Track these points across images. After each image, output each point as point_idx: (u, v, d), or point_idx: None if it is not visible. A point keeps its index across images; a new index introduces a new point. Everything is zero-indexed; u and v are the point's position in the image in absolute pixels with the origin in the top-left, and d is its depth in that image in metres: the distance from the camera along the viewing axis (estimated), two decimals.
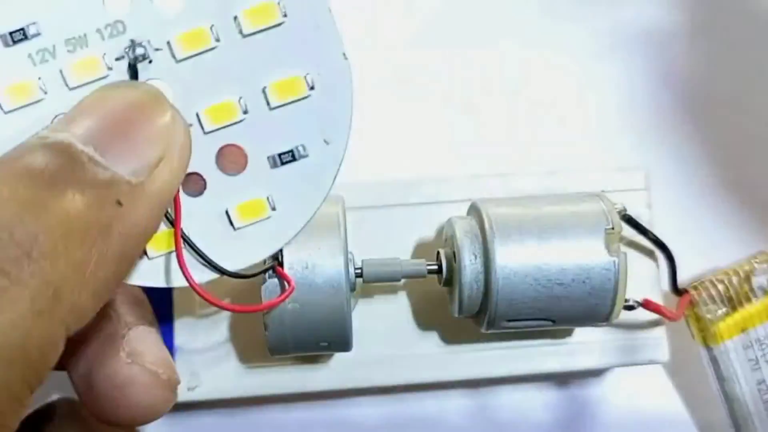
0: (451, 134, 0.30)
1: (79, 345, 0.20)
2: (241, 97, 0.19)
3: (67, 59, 0.18)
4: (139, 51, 0.18)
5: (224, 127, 0.19)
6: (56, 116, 0.18)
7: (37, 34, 0.18)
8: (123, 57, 0.18)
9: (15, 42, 0.18)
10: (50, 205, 0.15)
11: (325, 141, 0.19)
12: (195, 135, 0.19)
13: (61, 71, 0.18)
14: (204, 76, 0.19)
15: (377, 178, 0.27)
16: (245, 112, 0.19)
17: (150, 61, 0.18)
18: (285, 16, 0.18)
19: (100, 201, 0.15)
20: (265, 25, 0.18)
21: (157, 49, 0.18)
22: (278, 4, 0.18)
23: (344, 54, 0.19)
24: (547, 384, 0.29)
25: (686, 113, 0.31)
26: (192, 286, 0.18)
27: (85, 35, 0.18)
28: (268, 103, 0.19)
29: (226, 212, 0.19)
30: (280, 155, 0.19)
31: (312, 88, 0.19)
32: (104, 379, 0.19)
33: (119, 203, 0.16)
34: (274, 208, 0.19)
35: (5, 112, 0.18)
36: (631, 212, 0.26)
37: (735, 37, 0.31)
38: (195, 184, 0.19)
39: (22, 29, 0.18)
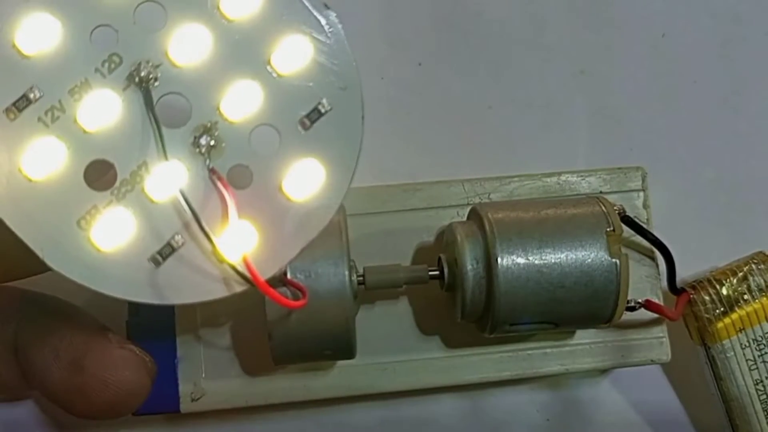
0: (448, 137, 0.30)
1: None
2: (251, 78, 0.19)
3: (77, 108, 0.19)
4: (144, 74, 0.19)
5: (248, 112, 0.19)
6: (88, 167, 0.19)
7: (41, 96, 0.18)
8: (129, 85, 0.19)
9: (21, 110, 0.18)
10: None
11: (340, 87, 0.19)
12: (224, 129, 0.19)
13: (75, 120, 0.19)
14: (211, 72, 0.19)
15: (376, 183, 0.27)
16: (261, 90, 0.19)
17: (155, 79, 0.19)
18: None
19: None
20: (247, 6, 0.19)
21: (157, 66, 0.19)
22: None
23: (325, 4, 0.19)
24: (547, 384, 0.29)
25: (684, 112, 0.31)
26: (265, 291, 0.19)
27: (86, 79, 0.19)
28: (277, 74, 0.19)
29: (280, 188, 0.19)
30: (307, 116, 0.19)
31: (313, 47, 0.19)
32: (97, 361, 0.21)
33: None
34: (321, 168, 0.19)
35: (33, 181, 0.18)
36: (630, 212, 0.26)
37: (731, 38, 0.31)
38: (241, 177, 0.19)
39: (24, 96, 0.18)
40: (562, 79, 0.31)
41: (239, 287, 0.19)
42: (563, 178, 0.27)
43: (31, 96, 0.19)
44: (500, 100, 0.30)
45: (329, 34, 0.20)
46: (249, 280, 0.18)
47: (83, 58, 0.19)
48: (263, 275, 0.19)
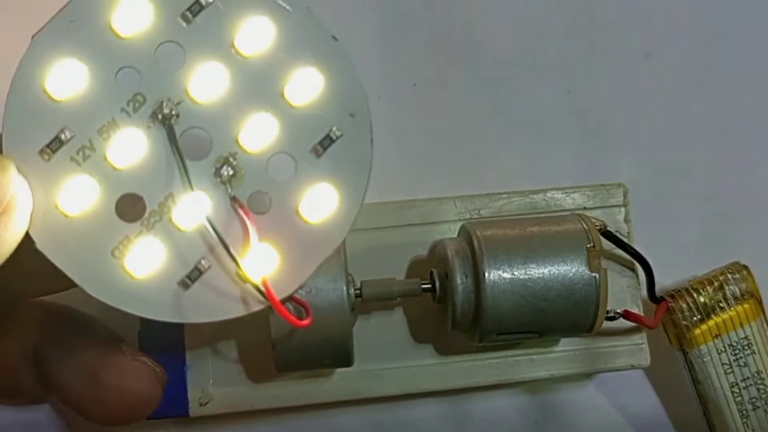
0: (441, 155, 0.31)
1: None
2: (266, 110, 0.20)
3: (106, 146, 0.20)
4: (166, 112, 0.20)
5: (265, 143, 0.20)
6: (119, 201, 0.20)
7: (72, 137, 0.19)
8: (153, 122, 0.20)
9: (54, 151, 0.19)
10: None
11: (350, 114, 0.20)
12: (243, 159, 0.20)
13: (105, 158, 0.20)
14: (229, 106, 0.20)
15: (373, 200, 0.27)
16: (276, 121, 0.20)
17: (177, 115, 0.20)
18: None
19: None
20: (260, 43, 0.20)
21: (178, 103, 0.20)
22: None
23: (333, 36, 0.20)
24: (535, 388, 0.30)
25: (666, 129, 0.32)
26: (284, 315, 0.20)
27: (113, 119, 0.20)
28: (291, 105, 0.20)
29: (297, 211, 0.20)
30: (319, 143, 0.20)
31: (324, 78, 0.20)
32: (112, 372, 0.23)
33: None
34: (334, 191, 0.20)
35: (69, 217, 0.19)
36: (612, 226, 0.27)
37: (709, 55, 0.32)
38: (261, 203, 0.20)
39: (56, 137, 0.19)
40: (549, 99, 0.32)
41: (257, 307, 0.20)
42: (549, 194, 0.28)
43: (63, 137, 0.19)
44: (490, 119, 0.31)
45: (338, 65, 0.20)
46: (267, 300, 0.19)
47: (109, 99, 0.20)
48: (284, 293, 0.20)
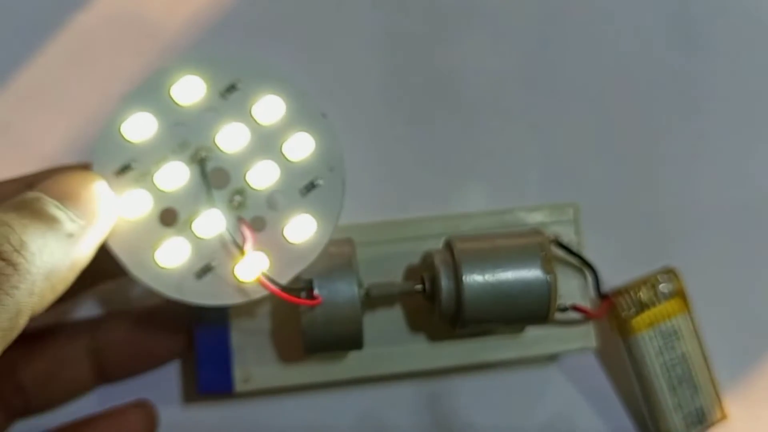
0: (430, 181, 0.34)
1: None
2: (270, 160, 0.25)
3: (158, 173, 0.25)
4: (203, 155, 0.25)
5: (266, 183, 0.25)
6: (161, 212, 0.25)
7: (136, 166, 0.25)
8: (192, 161, 0.25)
9: (124, 173, 0.25)
10: (29, 230, 0.20)
11: (330, 169, 0.26)
12: (249, 193, 0.25)
13: (156, 182, 0.25)
14: (244, 155, 0.25)
15: (376, 219, 0.31)
16: (276, 169, 0.25)
17: (208, 158, 0.25)
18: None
19: (60, 232, 0.21)
20: (271, 114, 0.25)
21: (210, 150, 0.25)
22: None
23: (323, 114, 0.25)
24: (506, 370, 0.33)
25: (617, 157, 0.35)
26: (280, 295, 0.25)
27: (165, 156, 0.25)
28: (287, 159, 0.25)
29: (282, 233, 0.25)
30: (305, 187, 0.25)
31: (313, 140, 0.25)
32: None
33: (71, 235, 0.22)
34: (313, 222, 0.25)
35: (128, 221, 0.25)
36: (565, 238, 0.30)
37: (657, 78, 0.35)
38: (258, 223, 0.25)
39: (126, 165, 0.25)
40: (517, 132, 0.34)
41: (254, 296, 0.25)
42: (514, 213, 0.31)
43: (131, 166, 0.25)
44: (469, 152, 0.34)
45: (325, 134, 0.25)
46: (263, 290, 0.25)
47: (165, 143, 0.25)
48: (263, 291, 0.25)
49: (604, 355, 0.33)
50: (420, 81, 0.35)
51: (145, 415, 0.30)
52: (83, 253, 0.22)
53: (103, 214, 0.23)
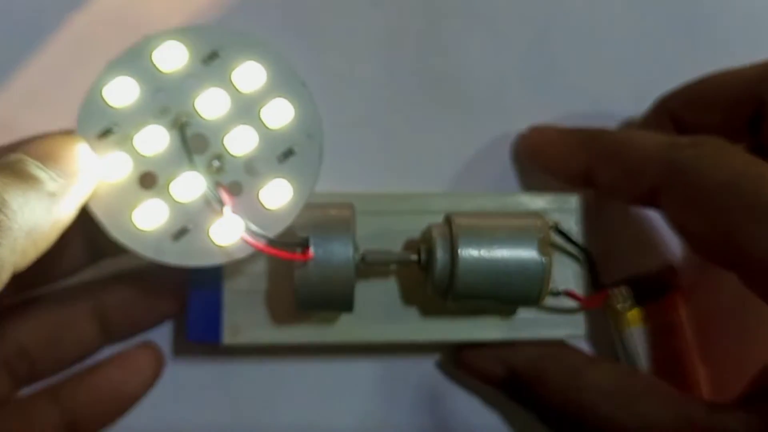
0: (436, 161, 0.35)
1: None
2: (248, 126, 0.26)
3: (139, 137, 0.26)
4: (183, 120, 0.26)
5: (244, 149, 0.26)
6: (141, 175, 0.25)
7: (118, 130, 0.25)
8: (172, 127, 0.26)
9: (105, 137, 0.25)
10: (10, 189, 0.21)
11: (308, 136, 0.26)
12: (227, 158, 0.26)
13: (137, 146, 0.25)
14: (223, 121, 0.26)
15: (379, 191, 0.32)
16: (254, 135, 0.26)
17: (188, 123, 0.26)
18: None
19: (41, 191, 0.22)
20: (250, 80, 0.26)
21: (191, 116, 0.26)
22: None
23: (303, 83, 0.26)
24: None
25: None
26: (263, 251, 0.26)
27: (146, 121, 0.26)
28: (265, 125, 0.26)
29: (258, 198, 0.26)
30: (283, 153, 0.26)
31: (292, 107, 0.26)
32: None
33: (52, 193, 0.22)
34: (289, 188, 0.26)
35: (108, 183, 0.25)
36: (565, 227, 0.31)
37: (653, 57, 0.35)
38: (236, 187, 0.26)
39: (107, 129, 0.25)
40: (523, 118, 0.35)
41: (236, 256, 0.26)
42: (518, 198, 0.31)
43: (112, 129, 0.25)
44: (474, 137, 0.35)
45: (305, 102, 0.26)
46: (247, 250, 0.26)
47: (147, 108, 0.26)
48: (246, 251, 0.26)
49: (598, 345, 0.34)
50: (423, 78, 0.35)
51: (153, 354, 0.31)
52: (65, 211, 0.23)
53: (84, 175, 0.24)
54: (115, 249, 0.26)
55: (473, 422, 0.34)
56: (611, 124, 0.35)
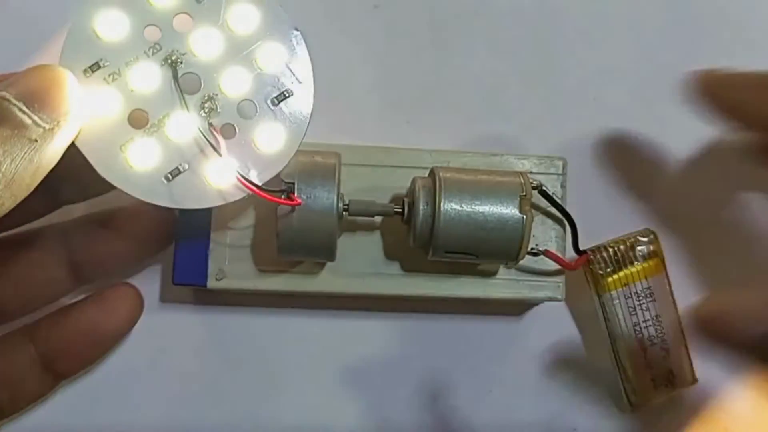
0: (426, 117, 0.35)
1: None
2: (242, 68, 0.26)
3: (129, 74, 0.25)
4: (174, 58, 0.25)
5: (238, 91, 0.26)
6: (131, 113, 0.25)
7: (107, 64, 0.25)
8: (164, 64, 0.25)
9: (93, 72, 0.25)
10: None
11: (298, 80, 0.26)
12: (221, 99, 0.26)
13: (127, 82, 0.25)
14: (217, 61, 0.26)
15: (367, 143, 0.32)
16: (248, 77, 0.26)
17: (180, 62, 0.25)
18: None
19: (24, 137, 0.21)
20: (244, 22, 0.26)
21: (183, 54, 0.26)
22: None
23: (295, 27, 0.26)
24: (473, 319, 0.34)
25: (605, 118, 0.36)
26: (255, 192, 0.26)
27: (137, 57, 0.25)
28: (259, 68, 0.26)
29: (253, 141, 0.26)
30: (276, 97, 0.26)
31: (285, 53, 0.26)
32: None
33: (35, 140, 0.21)
34: (282, 131, 0.26)
35: (97, 119, 0.25)
36: (549, 189, 0.31)
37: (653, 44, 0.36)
38: (229, 129, 0.26)
39: (96, 63, 0.25)
40: (518, 87, 0.36)
41: (230, 199, 0.25)
42: (504, 158, 0.32)
43: (100, 64, 0.25)
44: (470, 92, 0.35)
45: (297, 47, 0.26)
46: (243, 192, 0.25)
47: (137, 43, 0.25)
48: (239, 194, 0.26)
49: (576, 310, 0.35)
50: (430, 17, 0.36)
51: (131, 295, 0.31)
52: (48, 158, 0.22)
53: (72, 115, 0.23)
54: (104, 187, 0.25)
55: (473, 422, 0.34)
56: (611, 123, 0.36)
